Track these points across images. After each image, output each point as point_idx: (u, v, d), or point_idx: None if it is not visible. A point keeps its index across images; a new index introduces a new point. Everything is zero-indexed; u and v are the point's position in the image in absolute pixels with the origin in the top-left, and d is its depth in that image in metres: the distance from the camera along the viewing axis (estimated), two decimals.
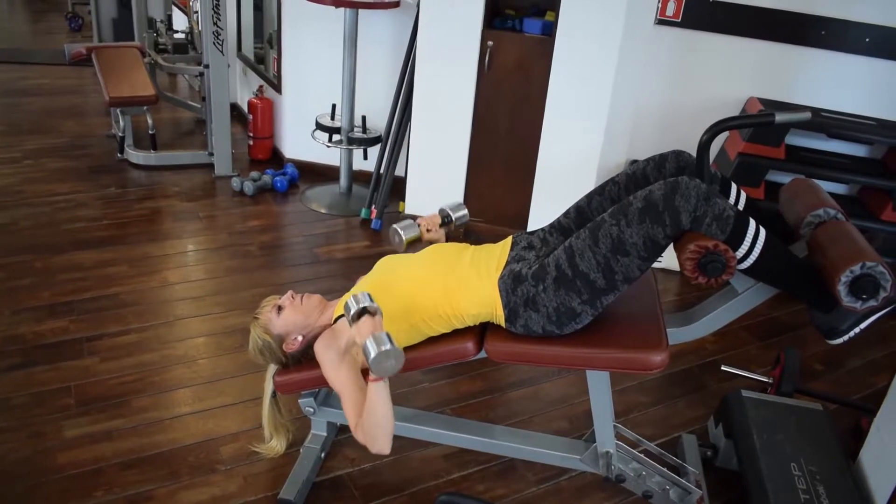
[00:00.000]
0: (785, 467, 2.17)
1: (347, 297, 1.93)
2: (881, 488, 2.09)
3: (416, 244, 2.22)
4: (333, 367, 1.89)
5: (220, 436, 2.42)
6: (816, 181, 2.09)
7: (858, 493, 2.12)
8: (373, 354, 1.66)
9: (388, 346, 1.66)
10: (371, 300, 1.77)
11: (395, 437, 2.33)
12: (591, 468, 2.09)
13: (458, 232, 2.32)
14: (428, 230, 2.23)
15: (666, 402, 2.81)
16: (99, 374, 2.66)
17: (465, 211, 2.31)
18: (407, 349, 1.95)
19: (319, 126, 4.31)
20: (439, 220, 2.27)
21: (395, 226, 2.21)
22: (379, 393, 1.75)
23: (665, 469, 2.08)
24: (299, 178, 4.58)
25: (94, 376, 2.64)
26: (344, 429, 2.48)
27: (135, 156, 4.59)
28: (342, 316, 1.95)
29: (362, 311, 1.75)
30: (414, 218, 2.26)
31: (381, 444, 1.80)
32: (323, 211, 4.24)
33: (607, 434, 2.00)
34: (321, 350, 1.93)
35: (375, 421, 1.77)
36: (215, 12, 4.20)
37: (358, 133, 4.29)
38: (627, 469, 2.06)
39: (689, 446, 2.46)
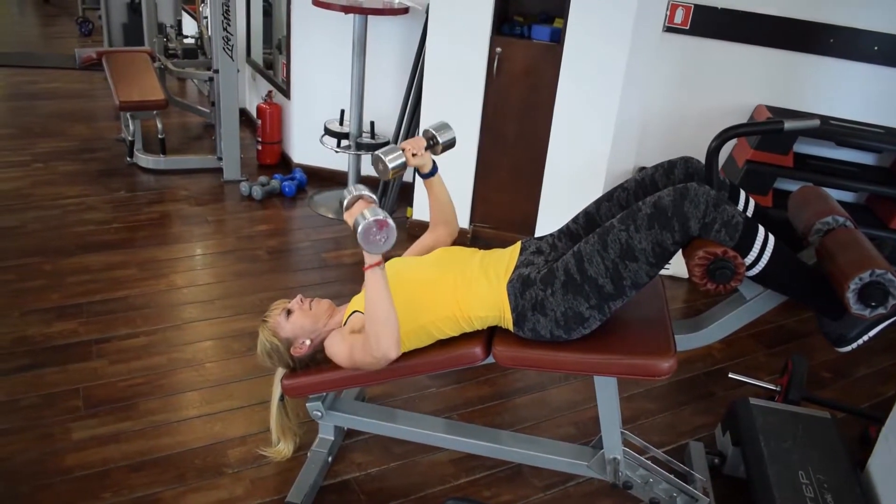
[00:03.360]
0: (793, 475, 2.17)
1: (354, 301, 1.95)
2: (889, 497, 2.08)
3: (402, 170, 2.06)
4: (341, 339, 1.94)
5: (228, 439, 2.43)
6: (825, 189, 2.09)
7: (866, 502, 2.11)
8: (362, 225, 1.64)
9: (379, 216, 1.64)
10: (366, 190, 1.79)
11: (402, 442, 2.36)
12: (599, 474, 2.09)
13: (444, 154, 2.16)
14: (413, 154, 2.06)
15: (673, 410, 2.81)
16: (107, 377, 2.67)
17: (451, 132, 2.13)
18: (415, 353, 1.96)
19: (328, 131, 4.32)
20: (424, 143, 2.10)
21: (377, 153, 2.01)
22: (374, 283, 1.74)
23: (672, 476, 2.07)
24: (307, 182, 4.60)
25: (103, 378, 2.66)
26: (351, 433, 2.48)
27: (144, 160, 4.61)
28: (352, 315, 1.97)
29: (357, 198, 1.76)
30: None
31: (384, 343, 1.75)
32: (331, 216, 4.25)
33: (615, 440, 2.00)
34: (330, 341, 1.99)
35: (375, 317, 1.75)
36: (225, 18, 4.23)
37: (366, 138, 4.30)
38: (635, 476, 2.06)
39: (696, 454, 2.45)
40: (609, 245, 1.73)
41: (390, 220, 1.68)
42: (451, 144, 2.15)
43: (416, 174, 2.16)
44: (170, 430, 2.45)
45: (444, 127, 2.14)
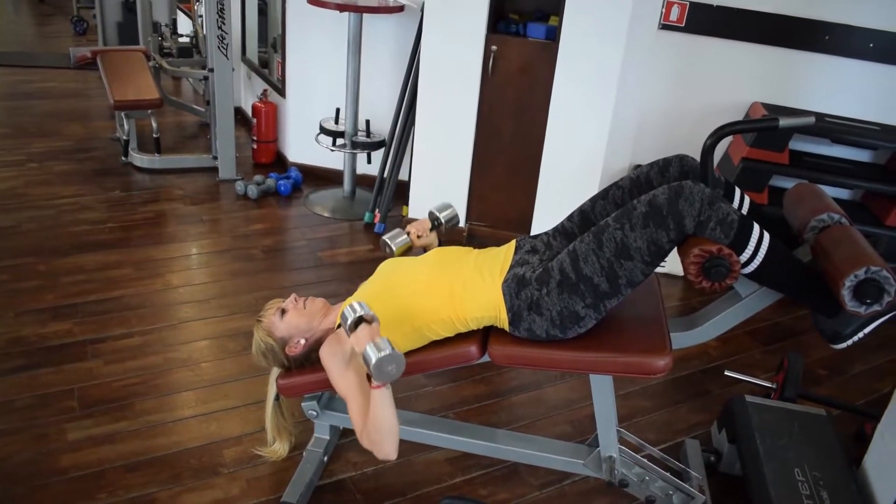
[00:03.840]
0: (788, 473, 2.17)
1: (345, 306, 1.94)
2: (885, 494, 2.09)
3: (408, 252, 2.23)
4: (340, 373, 1.90)
5: (223, 439, 2.43)
6: (820, 186, 2.09)
7: (862, 499, 2.11)
8: (374, 360, 1.66)
9: (388, 352, 1.67)
10: (367, 308, 1.78)
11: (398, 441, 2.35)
12: (594, 473, 2.09)
13: (448, 233, 2.31)
14: (419, 236, 2.24)
15: (669, 407, 2.81)
16: (102, 377, 2.66)
17: (453, 210, 2.29)
18: (410, 353, 1.95)
19: (323, 130, 4.31)
20: (429, 225, 2.27)
21: (384, 237, 2.22)
22: (382, 400, 1.76)
23: (668, 474, 2.07)
24: (303, 181, 4.59)
25: (98, 379, 2.65)
26: (347, 432, 2.48)
27: (139, 159, 4.60)
28: None
29: (359, 320, 1.76)
30: (409, 223, 2.27)
31: (386, 449, 1.80)
32: (326, 215, 4.25)
33: (610, 439, 2.00)
34: (327, 356, 1.94)
35: (380, 427, 1.78)
36: (220, 17, 4.22)
37: (362, 137, 4.30)
38: (630, 474, 2.06)
39: (692, 451, 2.45)
40: (604, 244, 1.73)
41: (397, 352, 1.69)
42: (454, 224, 2.30)
43: (424, 252, 2.29)
44: (165, 430, 2.44)
45: (447, 207, 2.29)
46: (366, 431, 1.81)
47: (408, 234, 2.24)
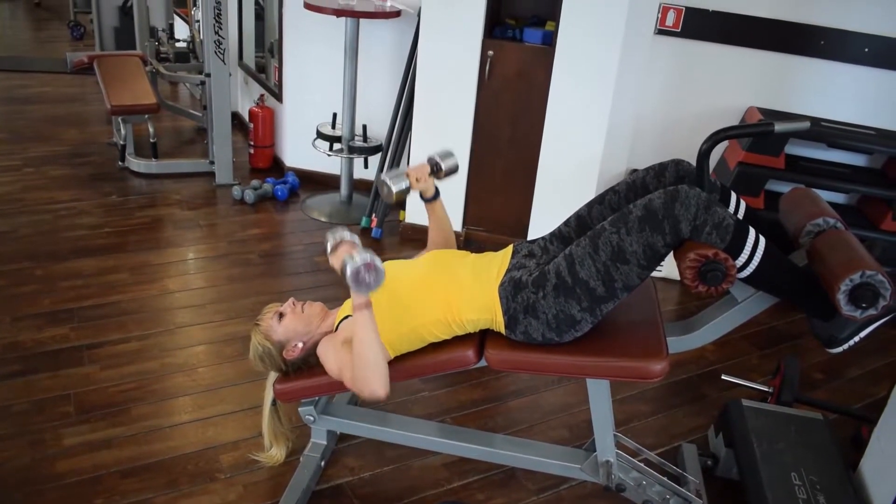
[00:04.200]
0: (785, 476, 2.17)
1: (342, 312, 1.94)
2: (881, 498, 2.09)
3: (405, 194, 2.14)
4: (334, 353, 1.92)
5: (220, 444, 2.42)
6: (816, 191, 2.10)
7: (859, 503, 2.11)
8: (350, 268, 1.65)
9: (364, 258, 1.66)
10: (348, 234, 1.80)
11: (395, 446, 2.35)
12: (592, 477, 2.09)
13: (446, 181, 2.22)
14: (417, 180, 2.14)
15: (666, 412, 2.81)
16: (99, 382, 2.66)
17: (454, 158, 2.19)
18: (407, 357, 1.96)
19: (320, 135, 4.32)
20: (428, 170, 2.17)
21: (383, 177, 2.11)
22: (364, 325, 1.75)
23: (665, 478, 2.08)
24: (300, 186, 4.59)
25: (95, 384, 2.64)
26: (344, 437, 2.47)
27: (136, 164, 4.60)
28: (344, 319, 1.96)
29: (340, 243, 1.78)
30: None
31: (373, 384, 1.77)
32: (323, 219, 4.25)
33: (607, 443, 2.00)
34: (323, 349, 1.97)
35: (364, 359, 1.77)
36: (217, 21, 4.22)
37: (359, 142, 4.30)
38: (628, 478, 2.06)
39: (689, 456, 2.45)
40: (600, 248, 1.73)
41: (378, 262, 1.69)
42: (454, 170, 2.21)
43: (420, 197, 2.24)
44: (162, 435, 2.44)
45: (448, 154, 2.19)
46: (353, 373, 1.80)
47: (406, 175, 2.14)
